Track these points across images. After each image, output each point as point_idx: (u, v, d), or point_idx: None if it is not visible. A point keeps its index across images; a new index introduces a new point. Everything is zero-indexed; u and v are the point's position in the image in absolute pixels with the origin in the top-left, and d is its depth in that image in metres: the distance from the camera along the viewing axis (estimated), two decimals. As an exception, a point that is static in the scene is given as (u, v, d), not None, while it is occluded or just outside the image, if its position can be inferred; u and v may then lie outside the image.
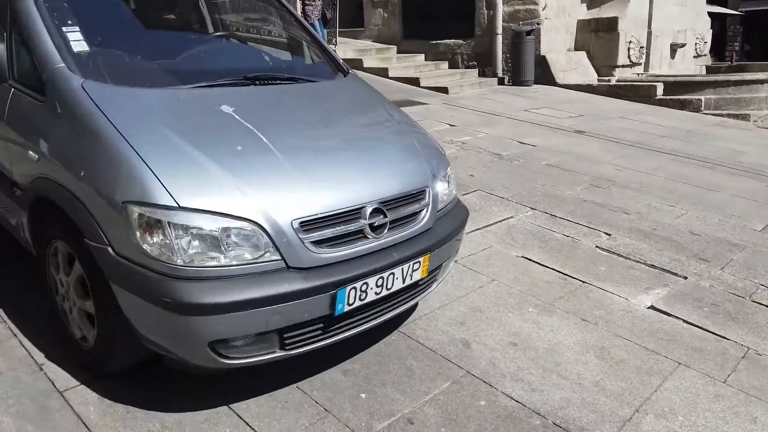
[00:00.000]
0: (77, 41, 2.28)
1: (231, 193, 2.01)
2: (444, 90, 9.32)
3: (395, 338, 2.74)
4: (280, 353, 2.11)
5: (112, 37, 2.51)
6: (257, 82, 2.64)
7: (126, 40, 2.56)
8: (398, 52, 11.17)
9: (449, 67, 10.90)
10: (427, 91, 9.36)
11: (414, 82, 9.68)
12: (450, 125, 7.14)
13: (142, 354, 2.17)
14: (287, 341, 2.10)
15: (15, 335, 2.55)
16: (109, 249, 1.98)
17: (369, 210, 2.23)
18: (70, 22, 2.33)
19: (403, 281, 2.35)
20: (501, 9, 10.28)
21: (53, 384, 2.28)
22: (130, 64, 2.43)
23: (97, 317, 2.16)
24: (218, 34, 3.12)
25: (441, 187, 2.60)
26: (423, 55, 11.18)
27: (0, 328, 2.59)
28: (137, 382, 2.30)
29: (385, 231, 2.29)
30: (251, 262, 2.00)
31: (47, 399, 2.19)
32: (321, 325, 2.16)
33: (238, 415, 2.18)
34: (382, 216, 2.27)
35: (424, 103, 8.28)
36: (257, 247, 2.01)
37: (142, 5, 2.94)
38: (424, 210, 2.47)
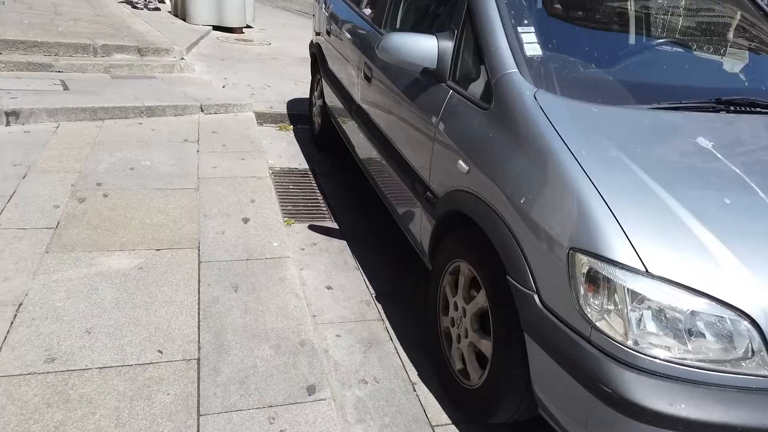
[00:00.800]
0: (530, 44, 1.98)
1: (714, 265, 1.44)
2: None
3: None
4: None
5: (561, 39, 2.15)
6: (731, 108, 1.98)
7: (572, 44, 2.18)
8: None
9: None
10: None
11: None
12: None
13: (531, 415, 1.82)
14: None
15: (391, 339, 2.49)
16: (536, 296, 1.63)
17: None
18: (525, 21, 2.04)
19: None
20: None
21: (424, 412, 2.10)
22: (581, 74, 2.04)
23: (492, 363, 1.86)
24: (668, 39, 2.53)
25: None
26: None
27: (379, 327, 2.56)
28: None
29: None
30: (722, 367, 1.41)
31: (419, 431, 2.02)
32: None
33: None
34: None
35: None
36: (735, 347, 1.42)
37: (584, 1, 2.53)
38: None
